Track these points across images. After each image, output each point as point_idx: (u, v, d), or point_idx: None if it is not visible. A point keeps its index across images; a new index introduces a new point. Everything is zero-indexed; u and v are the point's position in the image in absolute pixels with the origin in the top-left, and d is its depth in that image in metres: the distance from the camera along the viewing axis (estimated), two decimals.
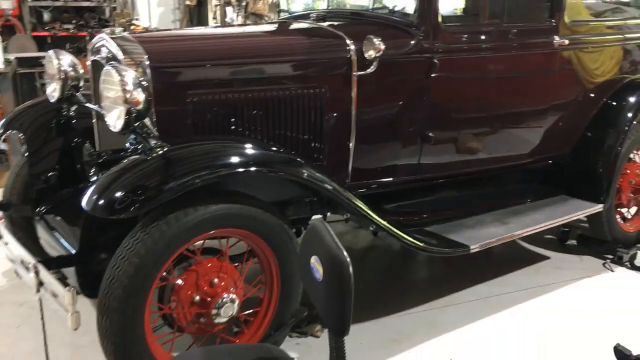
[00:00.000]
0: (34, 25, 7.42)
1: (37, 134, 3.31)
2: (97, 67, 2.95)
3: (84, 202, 2.24)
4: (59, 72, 3.13)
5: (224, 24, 8.01)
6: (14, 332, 3.09)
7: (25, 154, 3.26)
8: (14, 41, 6.83)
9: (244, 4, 8.14)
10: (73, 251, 2.74)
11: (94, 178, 2.54)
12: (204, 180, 2.30)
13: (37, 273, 2.32)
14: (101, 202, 2.20)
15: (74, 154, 3.37)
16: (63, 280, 2.37)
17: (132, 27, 6.51)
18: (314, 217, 3.14)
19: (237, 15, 8.13)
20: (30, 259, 2.40)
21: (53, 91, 3.19)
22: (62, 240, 2.91)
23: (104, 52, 2.82)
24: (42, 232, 3.10)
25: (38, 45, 7.24)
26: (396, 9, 3.51)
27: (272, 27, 3.60)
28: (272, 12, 8.42)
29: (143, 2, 8.16)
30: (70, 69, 3.15)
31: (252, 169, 2.48)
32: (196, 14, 8.32)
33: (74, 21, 7.60)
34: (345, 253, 1.73)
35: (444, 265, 3.94)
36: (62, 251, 2.81)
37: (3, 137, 4.36)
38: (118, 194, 2.21)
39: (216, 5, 8.10)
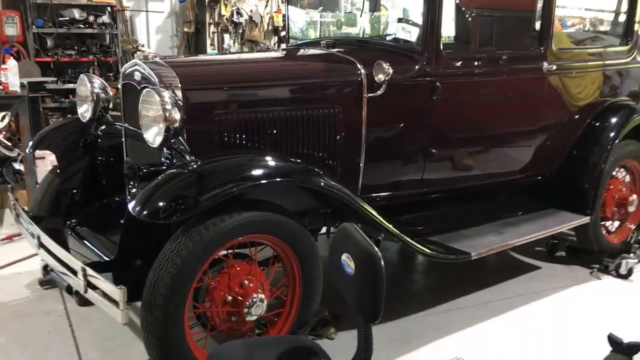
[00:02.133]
0: (37, 51, 7.64)
1: (66, 153, 3.54)
2: (128, 90, 3.21)
3: (131, 209, 2.47)
4: (91, 94, 3.37)
5: (221, 51, 8.32)
6: (45, 338, 3.27)
7: (57, 171, 3.49)
8: (20, 67, 7.01)
9: (240, 31, 8.47)
10: (106, 259, 2.97)
11: (134, 190, 2.76)
12: (239, 190, 2.55)
13: (85, 275, 2.53)
14: (148, 209, 2.44)
15: (99, 171, 3.60)
16: None
17: (138, 52, 6.79)
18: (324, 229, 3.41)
19: (234, 42, 8.44)
20: (77, 263, 2.61)
21: (85, 112, 3.43)
22: (95, 249, 3.13)
23: (137, 76, 3.07)
24: (72, 243, 3.32)
25: (41, 71, 7.46)
26: (400, 36, 3.84)
27: (289, 53, 3.88)
28: (267, 39, 8.77)
29: (142, 29, 8.44)
30: (101, 91, 3.40)
31: (279, 179, 2.74)
32: (194, 41, 8.61)
33: (76, 47, 7.84)
34: (376, 248, 1.99)
35: (442, 275, 4.20)
36: (95, 259, 3.04)
37: (19, 158, 4.59)
38: (162, 203, 2.46)
39: (213, 32, 8.41)
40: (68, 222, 3.42)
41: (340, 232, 2.24)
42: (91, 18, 7.86)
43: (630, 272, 4.13)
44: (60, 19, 7.66)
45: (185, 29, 8.45)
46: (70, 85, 7.66)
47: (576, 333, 3.38)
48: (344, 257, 2.15)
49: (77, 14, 7.79)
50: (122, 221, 3.32)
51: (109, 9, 7.99)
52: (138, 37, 8.35)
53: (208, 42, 8.35)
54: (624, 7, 4.53)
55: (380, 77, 3.17)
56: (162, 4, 8.56)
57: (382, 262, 1.96)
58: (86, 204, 3.55)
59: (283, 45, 8.79)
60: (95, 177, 3.59)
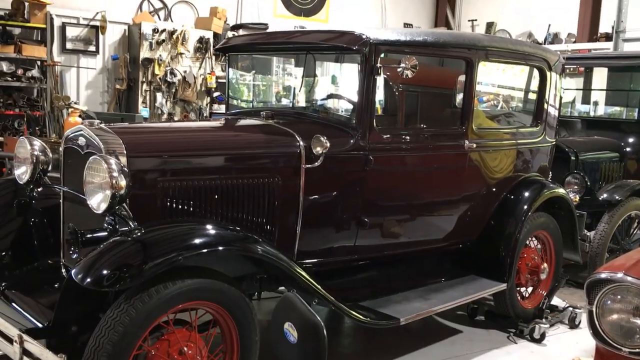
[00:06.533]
0: None
1: None
2: (69, 153, 3.24)
3: (74, 276, 2.49)
4: (31, 157, 3.37)
5: (153, 109, 8.37)
6: None
7: None
8: None
9: (173, 90, 8.57)
10: (39, 325, 2.92)
11: (75, 256, 2.77)
12: (183, 259, 2.62)
13: (21, 343, 2.50)
14: (92, 276, 2.47)
15: (31, 233, 3.56)
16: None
17: (71, 109, 6.73)
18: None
19: (167, 101, 8.52)
20: (13, 330, 2.57)
21: (23, 173, 3.41)
22: (25, 314, 3.07)
23: (81, 141, 3.12)
24: (0, 307, 3.23)
25: None
26: (332, 107, 4.09)
27: (230, 123, 4.03)
28: (199, 99, 8.90)
29: (72, 84, 8.38)
30: (41, 153, 3.41)
31: (220, 247, 2.83)
32: (125, 98, 8.62)
33: (1, 100, 7.69)
34: (319, 318, 2.13)
35: (369, 338, 4.33)
36: (25, 323, 2.98)
37: None
38: (107, 270, 2.49)
39: (146, 91, 8.46)
40: None
41: (282, 301, 2.36)
42: (20, 71, 7.76)
43: (542, 336, 4.43)
44: None
45: (117, 86, 8.46)
46: None
47: None
48: (287, 325, 2.27)
49: (5, 66, 7.69)
50: (55, 285, 3.32)
51: (38, 63, 7.93)
52: (68, 92, 8.29)
53: (140, 99, 8.38)
54: (533, 86, 4.97)
55: (318, 149, 3.37)
56: (94, 60, 8.56)
57: (325, 332, 2.09)
58: (16, 266, 3.48)
59: (215, 106, 8.96)
60: (26, 239, 3.55)
